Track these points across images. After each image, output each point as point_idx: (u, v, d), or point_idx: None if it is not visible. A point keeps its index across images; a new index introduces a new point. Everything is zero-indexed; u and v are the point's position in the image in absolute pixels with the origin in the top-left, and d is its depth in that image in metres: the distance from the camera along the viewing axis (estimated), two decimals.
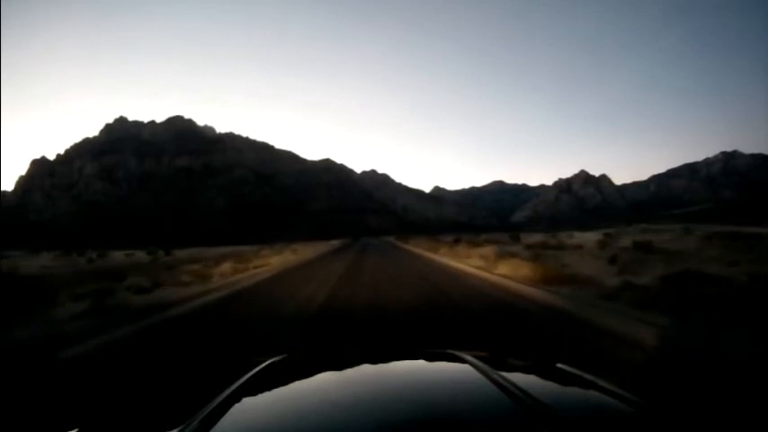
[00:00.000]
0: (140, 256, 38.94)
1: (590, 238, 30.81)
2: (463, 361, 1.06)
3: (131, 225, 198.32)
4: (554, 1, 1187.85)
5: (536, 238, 34.62)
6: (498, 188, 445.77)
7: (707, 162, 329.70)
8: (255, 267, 14.55)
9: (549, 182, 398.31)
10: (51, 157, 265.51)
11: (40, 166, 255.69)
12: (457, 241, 29.70)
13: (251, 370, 1.04)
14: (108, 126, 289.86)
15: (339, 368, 1.18)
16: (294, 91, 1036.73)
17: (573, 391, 0.98)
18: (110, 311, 6.22)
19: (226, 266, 13.19)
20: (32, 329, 5.03)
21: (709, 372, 2.99)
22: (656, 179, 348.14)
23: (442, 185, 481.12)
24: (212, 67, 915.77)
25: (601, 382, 0.93)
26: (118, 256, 40.76)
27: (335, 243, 55.81)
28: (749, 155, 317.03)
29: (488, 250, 15.58)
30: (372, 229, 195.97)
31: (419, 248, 26.68)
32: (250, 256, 21.58)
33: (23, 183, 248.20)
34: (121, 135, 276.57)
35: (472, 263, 12.82)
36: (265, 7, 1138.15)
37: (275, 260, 18.07)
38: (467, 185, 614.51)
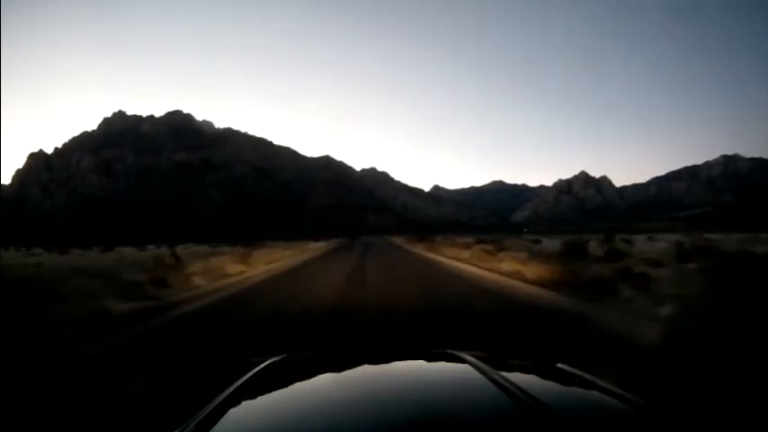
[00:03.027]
0: None
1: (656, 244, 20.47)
2: (463, 361, 1.06)
3: (129, 220, 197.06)
4: (555, 1, 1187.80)
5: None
6: (498, 188, 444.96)
7: (707, 165, 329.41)
8: None
9: (549, 182, 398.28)
10: (49, 150, 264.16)
11: (37, 159, 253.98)
12: (575, 254, 11.68)
13: (250, 370, 1.03)
14: (106, 120, 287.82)
15: (339, 368, 1.17)
16: (294, 87, 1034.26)
17: (573, 391, 0.97)
18: None
19: None
20: None
21: None
22: (657, 181, 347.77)
23: (441, 184, 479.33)
24: (212, 63, 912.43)
25: (601, 382, 0.93)
26: None
27: (321, 245, 36.01)
28: (749, 158, 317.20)
29: None
30: (372, 228, 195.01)
31: (519, 280, 8.75)
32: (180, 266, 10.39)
33: (21, 176, 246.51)
34: (120, 129, 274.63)
35: None
36: (266, 3, 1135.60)
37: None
38: (466, 185, 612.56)
